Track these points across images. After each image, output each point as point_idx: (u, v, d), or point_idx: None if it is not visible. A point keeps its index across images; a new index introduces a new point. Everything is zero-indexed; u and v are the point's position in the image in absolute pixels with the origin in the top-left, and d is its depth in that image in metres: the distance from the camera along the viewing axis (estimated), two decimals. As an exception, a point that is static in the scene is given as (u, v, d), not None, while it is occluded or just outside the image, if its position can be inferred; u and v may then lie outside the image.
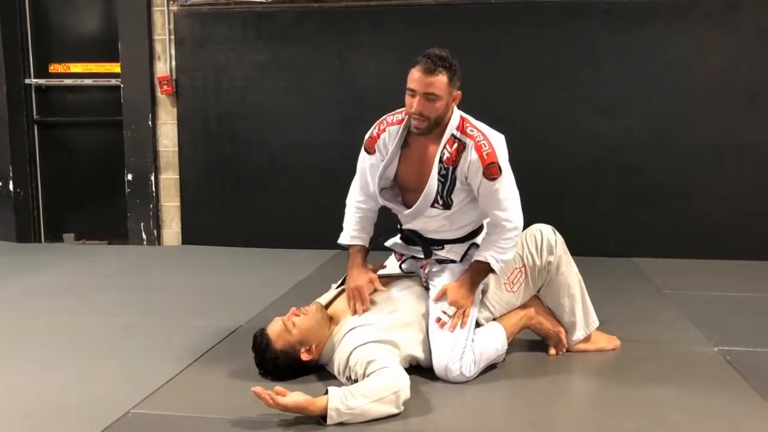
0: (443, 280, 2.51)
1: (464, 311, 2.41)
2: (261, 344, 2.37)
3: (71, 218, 5.44)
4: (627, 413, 2.17)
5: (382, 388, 2.11)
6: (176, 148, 5.09)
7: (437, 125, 2.36)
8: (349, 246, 2.58)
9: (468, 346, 2.40)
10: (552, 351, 2.69)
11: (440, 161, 2.38)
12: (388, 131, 2.46)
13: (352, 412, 2.04)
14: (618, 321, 3.01)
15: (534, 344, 2.76)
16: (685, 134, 4.52)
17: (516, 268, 2.57)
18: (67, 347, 2.85)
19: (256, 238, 4.92)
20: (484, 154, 2.34)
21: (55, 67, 5.29)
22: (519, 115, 4.65)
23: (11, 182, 5.23)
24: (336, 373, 2.38)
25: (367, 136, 2.52)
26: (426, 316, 2.47)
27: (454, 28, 4.67)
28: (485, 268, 2.44)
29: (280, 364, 2.35)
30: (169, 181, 5.15)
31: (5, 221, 5.27)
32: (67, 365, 2.62)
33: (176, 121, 5.06)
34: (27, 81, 5.27)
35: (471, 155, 2.35)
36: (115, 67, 5.14)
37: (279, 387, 2.07)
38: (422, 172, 2.43)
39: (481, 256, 2.43)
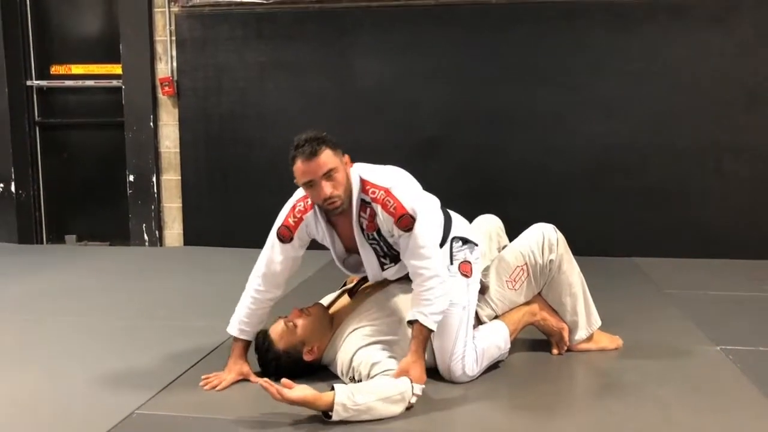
0: None
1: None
2: (263, 345, 2.38)
3: (73, 219, 5.45)
4: (630, 413, 2.17)
5: (389, 388, 2.12)
6: (178, 149, 5.10)
7: (349, 196, 2.28)
8: (234, 337, 2.47)
9: (469, 345, 2.40)
10: (554, 350, 2.69)
11: (362, 231, 2.34)
12: (306, 219, 2.37)
13: (358, 408, 2.04)
14: (620, 321, 3.01)
15: (537, 344, 2.77)
16: (686, 134, 4.53)
17: (518, 266, 2.57)
18: (70, 349, 2.85)
19: (258, 238, 4.89)
20: (391, 209, 2.25)
21: (56, 69, 5.31)
22: (520, 116, 4.67)
23: (13, 183, 5.24)
24: (339, 374, 2.39)
25: (279, 225, 2.40)
26: None
27: (455, 28, 4.68)
28: (424, 329, 2.26)
29: (283, 365, 2.36)
30: (170, 182, 5.15)
31: (7, 222, 5.28)
32: (71, 366, 2.63)
33: (177, 122, 5.07)
34: (28, 83, 5.29)
35: (382, 216, 2.27)
36: (117, 69, 5.15)
37: (286, 380, 2.07)
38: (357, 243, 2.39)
39: (411, 315, 2.28)
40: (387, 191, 2.27)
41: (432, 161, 4.75)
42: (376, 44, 4.79)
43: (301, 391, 2.05)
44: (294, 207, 2.40)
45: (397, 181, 2.32)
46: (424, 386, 2.22)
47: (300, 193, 2.42)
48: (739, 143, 4.49)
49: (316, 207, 2.37)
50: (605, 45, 4.56)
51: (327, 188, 2.21)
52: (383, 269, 2.44)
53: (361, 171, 2.34)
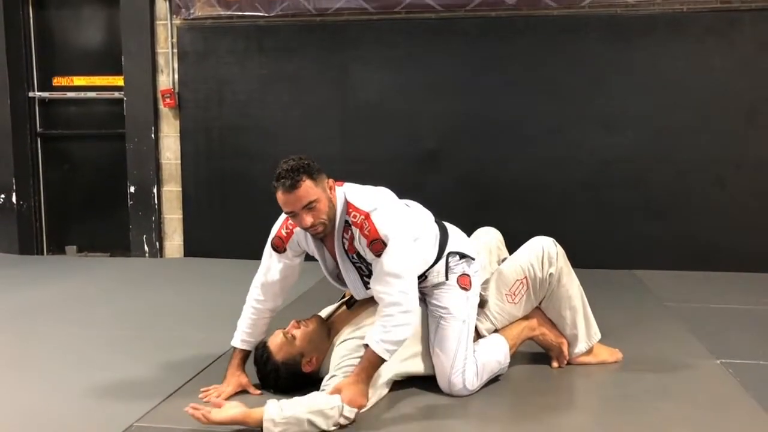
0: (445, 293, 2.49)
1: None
2: (262, 356, 2.39)
3: (73, 230, 5.45)
4: (629, 427, 2.16)
5: (320, 401, 2.11)
6: (178, 161, 5.11)
7: (333, 219, 2.29)
8: (235, 347, 2.49)
9: (469, 358, 2.40)
10: (554, 363, 2.69)
11: (345, 251, 2.36)
12: (296, 233, 2.41)
13: (287, 420, 2.02)
14: (620, 334, 3.01)
15: (536, 357, 2.76)
16: (686, 148, 4.54)
17: (517, 280, 2.57)
18: (70, 360, 2.85)
19: (258, 250, 4.90)
20: (366, 232, 2.25)
21: (58, 80, 5.33)
22: (520, 129, 4.68)
23: (14, 194, 5.25)
24: (329, 384, 2.38)
25: (273, 236, 2.46)
26: (425, 328, 2.46)
27: (456, 41, 4.71)
28: (374, 355, 2.20)
29: (282, 376, 2.36)
30: (171, 193, 5.16)
31: (8, 233, 5.29)
32: (70, 378, 2.62)
33: (179, 134, 5.09)
34: (30, 94, 5.31)
35: (358, 238, 2.28)
36: (118, 81, 5.18)
37: (215, 400, 2.09)
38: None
39: (366, 339, 2.25)
40: (367, 215, 2.27)
41: (432, 174, 4.76)
42: (377, 57, 4.81)
43: (227, 411, 2.04)
44: (287, 219, 2.42)
45: (378, 206, 2.30)
46: (357, 410, 2.15)
47: None
48: (739, 156, 4.49)
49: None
50: (605, 58, 4.58)
51: (307, 219, 2.23)
52: (367, 288, 2.43)
53: (348, 192, 2.34)
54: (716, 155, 4.52)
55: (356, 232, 2.28)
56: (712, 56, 4.48)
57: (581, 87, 4.61)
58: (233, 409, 2.05)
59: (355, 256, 2.35)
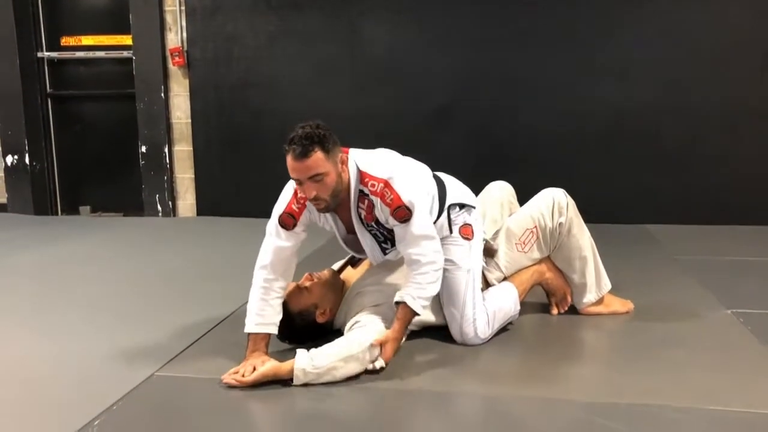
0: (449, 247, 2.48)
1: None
2: (277, 307, 2.41)
3: (87, 191, 5.50)
4: (642, 373, 2.19)
5: (351, 345, 2.14)
6: (189, 120, 5.11)
7: (339, 196, 2.24)
8: (250, 335, 2.29)
9: (479, 307, 2.43)
10: (554, 310, 2.73)
11: (361, 221, 2.35)
12: (308, 206, 2.31)
13: (318, 371, 2.07)
14: (631, 286, 3.02)
15: (547, 308, 2.79)
16: (700, 99, 4.49)
17: (528, 229, 2.59)
18: (91, 315, 2.91)
19: (269, 208, 4.94)
20: (388, 200, 2.23)
21: (66, 40, 5.31)
22: (532, 81, 4.64)
23: (27, 156, 5.28)
24: (347, 336, 2.42)
25: (281, 212, 2.33)
26: None
27: (466, -6, 4.64)
28: (408, 311, 2.26)
29: (297, 326, 2.40)
30: (182, 152, 5.18)
31: (22, 194, 5.34)
32: (91, 332, 2.68)
33: (188, 93, 5.08)
34: (39, 54, 5.30)
35: (380, 207, 2.26)
36: (127, 39, 5.15)
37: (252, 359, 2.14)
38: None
39: (399, 296, 2.27)
40: (386, 183, 2.25)
41: (443, 128, 4.74)
42: (386, 11, 4.75)
43: (260, 368, 2.09)
44: (296, 193, 2.33)
45: (395, 172, 2.28)
46: (384, 365, 2.19)
47: None
48: (753, 108, 4.44)
49: None
50: (618, 8, 4.50)
51: (311, 191, 2.17)
52: (385, 253, 2.46)
53: (359, 161, 2.29)
54: (729, 107, 4.47)
55: (377, 201, 2.26)
56: (728, 5, 4.39)
57: (595, 37, 4.55)
58: (264, 367, 2.10)
59: (373, 223, 2.35)
